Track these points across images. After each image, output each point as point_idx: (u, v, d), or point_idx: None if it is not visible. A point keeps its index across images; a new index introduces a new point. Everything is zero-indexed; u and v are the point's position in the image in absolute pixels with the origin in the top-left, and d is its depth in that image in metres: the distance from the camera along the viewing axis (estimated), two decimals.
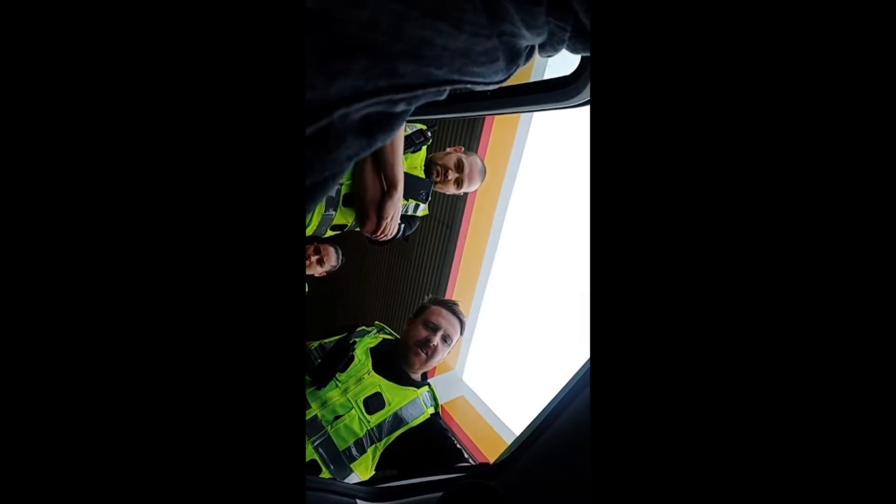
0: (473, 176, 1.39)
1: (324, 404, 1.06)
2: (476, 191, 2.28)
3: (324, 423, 1.03)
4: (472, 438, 2.18)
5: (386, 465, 1.03)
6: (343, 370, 1.11)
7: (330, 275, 1.91)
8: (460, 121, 2.14)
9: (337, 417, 1.04)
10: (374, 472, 1.03)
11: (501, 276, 2.36)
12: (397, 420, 1.08)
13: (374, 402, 1.07)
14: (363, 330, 1.25)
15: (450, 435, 1.09)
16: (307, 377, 1.10)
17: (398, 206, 1.17)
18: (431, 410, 1.12)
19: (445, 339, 1.17)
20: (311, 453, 1.00)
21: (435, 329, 1.16)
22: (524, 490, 0.62)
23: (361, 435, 1.03)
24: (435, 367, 1.23)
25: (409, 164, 1.28)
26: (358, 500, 0.61)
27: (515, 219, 2.27)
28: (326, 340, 1.19)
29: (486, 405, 2.17)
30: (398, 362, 1.16)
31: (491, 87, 0.33)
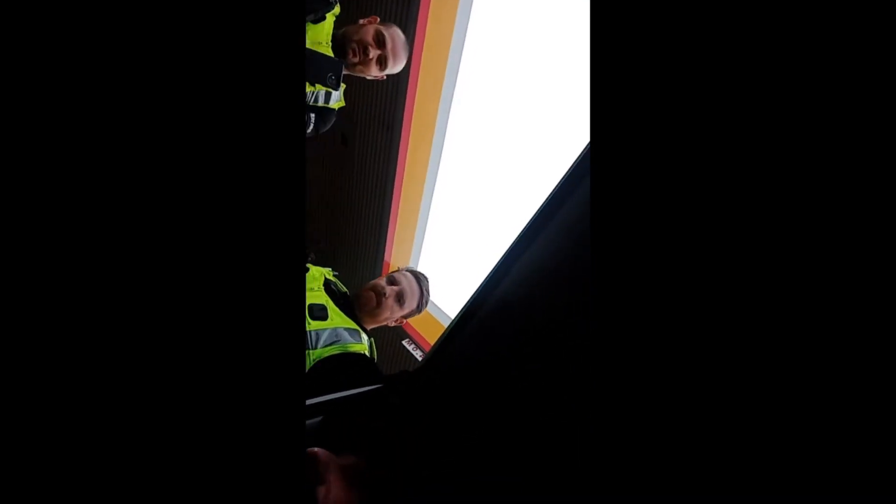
0: (398, 51, 1.16)
1: None
2: (416, 83, 2.05)
3: None
4: (430, 343, 2.19)
5: (315, 380, 0.97)
6: None
7: None
8: None
9: None
10: None
11: (450, 174, 2.22)
12: (336, 335, 1.04)
13: (318, 311, 1.05)
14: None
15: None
16: None
17: None
18: (368, 352, 1.09)
19: (400, 297, 1.14)
20: None
21: (392, 282, 1.15)
22: (450, 385, 0.56)
23: None
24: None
25: (310, 38, 1.05)
26: None
27: (463, 108, 2.06)
28: None
29: (441, 310, 2.16)
30: (349, 302, 1.15)
31: None
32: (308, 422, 0.49)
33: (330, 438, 0.46)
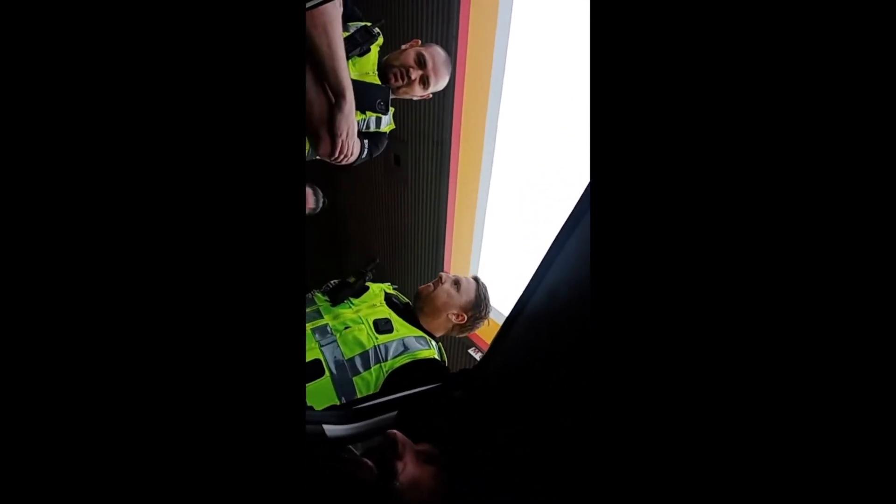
0: (439, 69, 1.22)
1: (336, 317, 1.12)
2: (461, 98, 2.09)
3: (333, 331, 1.08)
4: None
5: (390, 390, 1.02)
6: (357, 296, 1.20)
7: (311, 216, 1.85)
8: (430, 14, 1.91)
9: (346, 328, 1.09)
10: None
11: (502, 182, 2.23)
12: (404, 346, 1.09)
13: (383, 325, 1.11)
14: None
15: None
16: (324, 296, 1.20)
17: (352, 119, 1.04)
18: (437, 356, 1.13)
19: (456, 282, 1.25)
20: (317, 353, 1.03)
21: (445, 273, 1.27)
22: (501, 383, 0.57)
23: (368, 347, 1.05)
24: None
25: (358, 69, 1.13)
26: (325, 426, 0.58)
27: (509, 118, 2.08)
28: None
29: (503, 315, 2.16)
30: (412, 311, 1.23)
31: None
32: (385, 416, 0.54)
33: (404, 430, 0.49)
